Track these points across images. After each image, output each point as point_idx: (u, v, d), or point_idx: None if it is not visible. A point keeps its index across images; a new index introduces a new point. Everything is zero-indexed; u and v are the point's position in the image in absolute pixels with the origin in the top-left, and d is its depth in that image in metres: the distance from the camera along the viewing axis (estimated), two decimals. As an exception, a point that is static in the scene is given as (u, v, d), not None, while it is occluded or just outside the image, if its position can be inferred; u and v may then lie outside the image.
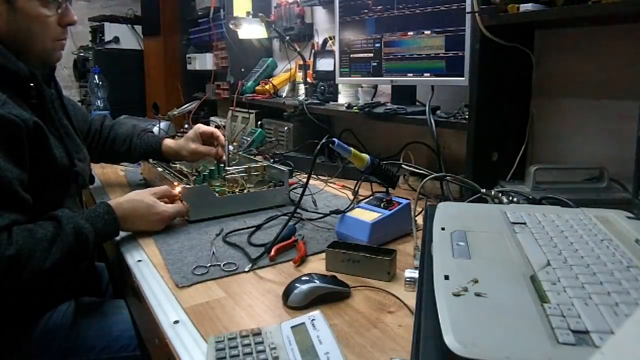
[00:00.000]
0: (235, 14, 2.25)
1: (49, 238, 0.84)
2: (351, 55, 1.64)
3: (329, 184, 1.44)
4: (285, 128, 1.91)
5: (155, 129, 1.87)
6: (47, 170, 0.94)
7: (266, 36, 2.24)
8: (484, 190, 0.95)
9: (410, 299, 0.73)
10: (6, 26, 0.93)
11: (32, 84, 0.94)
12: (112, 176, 1.62)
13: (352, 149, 0.98)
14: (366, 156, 1.00)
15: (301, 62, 1.99)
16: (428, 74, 1.38)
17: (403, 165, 1.22)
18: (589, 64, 1.16)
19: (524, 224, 0.69)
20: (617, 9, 0.85)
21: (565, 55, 1.20)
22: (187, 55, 2.85)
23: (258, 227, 1.07)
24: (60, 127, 1.00)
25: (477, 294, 0.48)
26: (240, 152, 1.61)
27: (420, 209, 1.03)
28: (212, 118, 2.63)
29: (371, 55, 1.55)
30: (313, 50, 1.99)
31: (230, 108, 2.29)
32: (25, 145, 0.87)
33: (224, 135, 1.40)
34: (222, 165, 1.33)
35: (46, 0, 0.97)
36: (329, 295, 0.75)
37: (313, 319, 0.62)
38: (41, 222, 0.87)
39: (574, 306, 0.46)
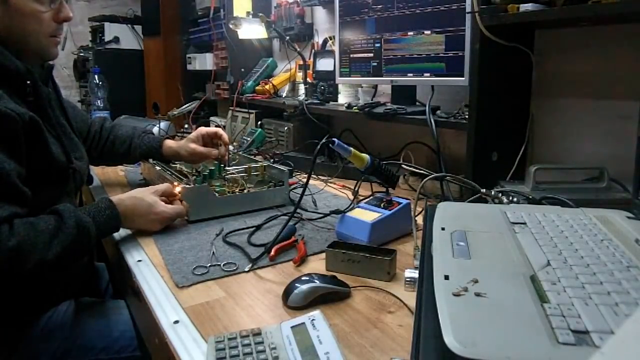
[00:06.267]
0: (235, 14, 2.25)
1: (51, 231, 0.84)
2: (351, 55, 1.64)
3: (329, 184, 1.44)
4: (285, 128, 1.91)
5: (155, 129, 1.87)
6: (44, 167, 0.93)
7: (266, 36, 2.24)
8: (484, 190, 0.95)
9: (410, 299, 0.73)
10: (0, 23, 0.93)
11: (28, 82, 0.94)
12: (112, 176, 1.62)
13: (352, 149, 0.98)
14: (366, 156, 1.00)
15: (301, 62, 1.99)
16: (428, 74, 1.38)
17: (403, 165, 1.22)
18: (589, 64, 1.16)
19: (524, 224, 0.69)
20: (617, 9, 0.85)
21: (565, 55, 1.20)
22: (187, 55, 2.84)
23: (258, 227, 1.07)
24: (57, 126, 1.00)
25: (477, 294, 0.48)
26: (240, 152, 1.61)
27: (420, 209, 1.03)
28: (212, 118, 2.63)
29: (371, 55, 1.55)
30: (313, 50, 1.99)
31: (230, 108, 2.29)
32: (22, 139, 0.87)
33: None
34: (222, 165, 1.33)
35: None
36: (329, 295, 0.75)
37: (313, 319, 0.62)
38: (43, 215, 0.87)
39: (574, 306, 0.46)
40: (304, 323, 0.62)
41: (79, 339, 1.00)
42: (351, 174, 1.48)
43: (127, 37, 3.16)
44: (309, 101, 1.80)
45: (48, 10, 0.97)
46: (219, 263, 0.89)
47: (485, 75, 1.12)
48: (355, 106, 1.57)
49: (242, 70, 2.37)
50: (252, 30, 2.13)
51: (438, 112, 1.39)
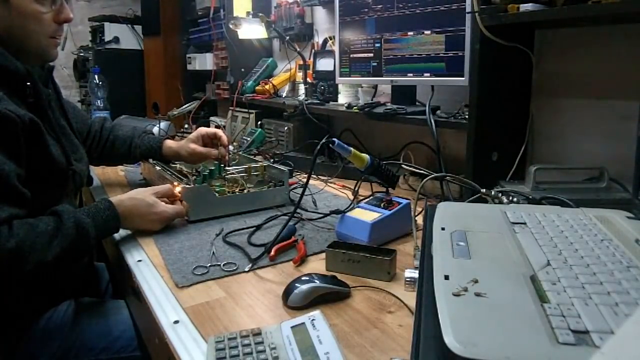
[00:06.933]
0: (235, 14, 2.25)
1: (50, 232, 0.84)
2: (351, 55, 1.64)
3: (329, 184, 1.44)
4: (285, 128, 1.91)
5: (155, 129, 1.87)
6: (43, 168, 0.93)
7: (266, 36, 2.24)
8: (484, 190, 0.95)
9: (410, 299, 0.73)
10: (0, 23, 0.92)
11: (28, 83, 0.93)
12: (112, 176, 1.62)
13: (352, 149, 0.98)
14: (366, 156, 1.00)
15: (301, 62, 1.99)
16: (428, 74, 1.38)
17: (403, 165, 1.22)
18: (589, 64, 1.16)
19: (524, 224, 0.69)
20: (617, 9, 0.85)
21: (565, 55, 1.20)
22: (187, 55, 2.85)
23: (258, 227, 1.07)
24: (57, 127, 1.00)
25: (477, 294, 0.48)
26: (240, 152, 1.61)
27: (420, 209, 1.03)
28: (212, 118, 2.63)
29: (371, 55, 1.55)
30: (313, 50, 1.99)
31: (230, 108, 2.29)
32: (22, 141, 0.87)
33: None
34: (222, 165, 1.33)
35: None
36: (329, 295, 0.75)
37: (313, 319, 0.62)
38: (42, 217, 0.87)
39: (574, 306, 0.46)
40: (304, 323, 0.62)
41: (79, 339, 1.00)
42: (351, 174, 1.48)
43: (127, 37, 3.16)
44: (309, 101, 1.80)
45: (49, 11, 0.97)
46: (219, 263, 0.89)
47: (485, 75, 1.12)
48: (355, 106, 1.57)
49: (242, 70, 2.37)
50: (252, 30, 2.13)
51: (438, 112, 1.39)
